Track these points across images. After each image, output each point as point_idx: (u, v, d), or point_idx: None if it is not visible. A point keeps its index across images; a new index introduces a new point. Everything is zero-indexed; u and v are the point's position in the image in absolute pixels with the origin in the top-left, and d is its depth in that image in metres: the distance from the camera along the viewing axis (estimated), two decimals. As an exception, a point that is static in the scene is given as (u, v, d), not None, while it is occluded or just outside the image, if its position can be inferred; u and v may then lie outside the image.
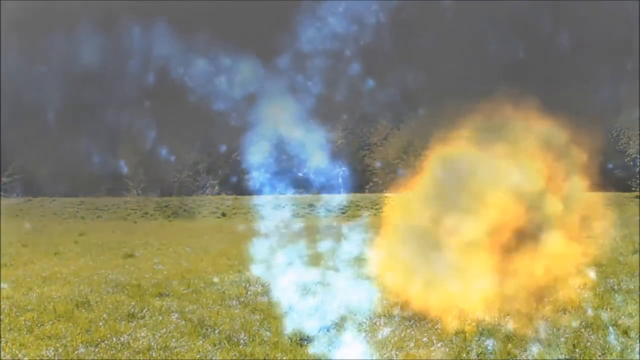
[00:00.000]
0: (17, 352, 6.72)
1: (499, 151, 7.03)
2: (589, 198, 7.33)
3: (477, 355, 6.31)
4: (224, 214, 36.19)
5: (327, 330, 7.20)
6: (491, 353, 6.35)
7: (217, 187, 44.21)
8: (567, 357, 6.17)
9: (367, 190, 39.76)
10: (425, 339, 6.81)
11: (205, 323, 7.64)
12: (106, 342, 7.01)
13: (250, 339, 6.97)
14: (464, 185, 7.14)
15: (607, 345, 6.36)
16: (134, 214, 37.06)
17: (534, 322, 7.23)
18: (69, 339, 7.12)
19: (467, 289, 7.09)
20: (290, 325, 7.22)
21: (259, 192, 8.22)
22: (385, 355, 6.40)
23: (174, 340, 7.00)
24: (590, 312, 7.66)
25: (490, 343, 6.58)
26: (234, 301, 9.07)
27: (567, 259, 7.35)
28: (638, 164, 36.77)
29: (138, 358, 6.50)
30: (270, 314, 8.14)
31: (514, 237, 7.08)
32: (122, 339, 7.08)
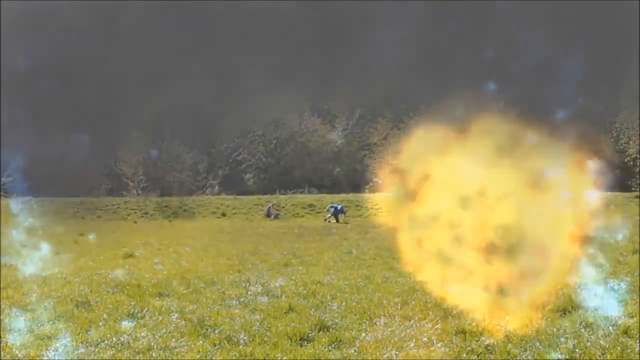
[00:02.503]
0: (17, 352, 6.72)
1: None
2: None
3: (477, 356, 6.31)
4: (224, 214, 36.17)
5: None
6: (491, 353, 6.35)
7: (217, 187, 44.22)
8: (567, 357, 6.17)
9: (367, 190, 39.71)
10: (425, 339, 6.81)
11: (205, 323, 7.64)
12: (106, 342, 7.01)
13: (250, 339, 6.96)
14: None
15: (607, 345, 6.35)
16: (134, 214, 37.04)
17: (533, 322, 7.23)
18: (69, 339, 7.12)
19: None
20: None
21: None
22: (386, 356, 6.39)
23: (174, 340, 7.00)
24: (590, 312, 7.66)
25: (490, 343, 6.58)
26: (234, 301, 9.07)
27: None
28: (638, 164, 36.77)
29: (138, 358, 6.50)
30: (270, 314, 8.13)
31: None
32: (122, 339, 7.08)
